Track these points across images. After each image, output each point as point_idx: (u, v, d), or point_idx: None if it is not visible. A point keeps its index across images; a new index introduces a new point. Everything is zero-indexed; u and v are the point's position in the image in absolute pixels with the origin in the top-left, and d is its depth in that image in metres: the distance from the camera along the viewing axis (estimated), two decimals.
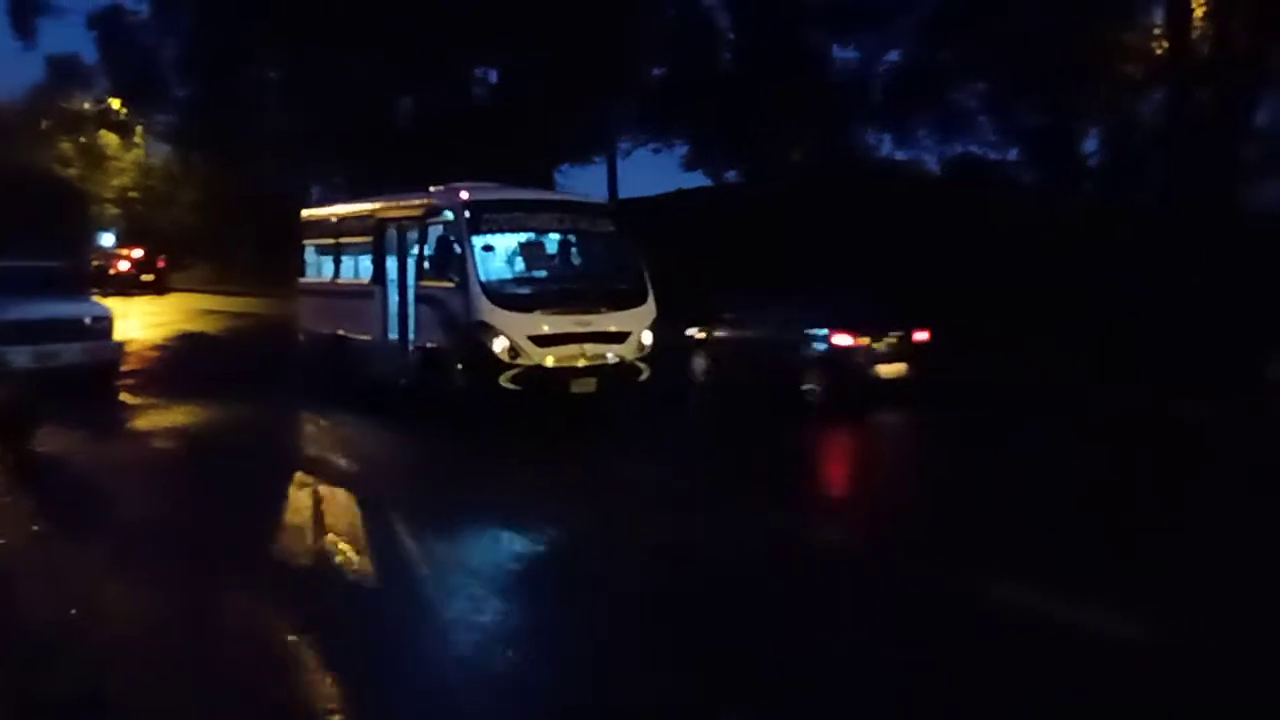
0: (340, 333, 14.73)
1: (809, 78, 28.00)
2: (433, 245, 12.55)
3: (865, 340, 13.30)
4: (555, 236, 12.67)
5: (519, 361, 11.63)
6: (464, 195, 12.30)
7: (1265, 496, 9.08)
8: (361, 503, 8.95)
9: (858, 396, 13.40)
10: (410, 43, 31.19)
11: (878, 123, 28.90)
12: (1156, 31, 22.91)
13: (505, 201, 12.59)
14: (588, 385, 11.97)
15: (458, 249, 12.01)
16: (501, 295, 11.80)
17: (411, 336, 13.08)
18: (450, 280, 12.08)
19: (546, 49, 29.06)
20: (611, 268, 12.78)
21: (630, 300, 12.40)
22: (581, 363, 11.89)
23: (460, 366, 11.94)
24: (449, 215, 12.32)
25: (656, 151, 32.88)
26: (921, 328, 13.58)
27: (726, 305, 15.33)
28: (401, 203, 13.58)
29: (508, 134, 29.01)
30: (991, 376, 15.21)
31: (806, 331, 13.58)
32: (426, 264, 12.65)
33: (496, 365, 11.60)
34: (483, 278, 11.79)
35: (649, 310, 12.41)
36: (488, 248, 12.04)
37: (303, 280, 16.34)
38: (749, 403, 14.34)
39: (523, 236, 12.53)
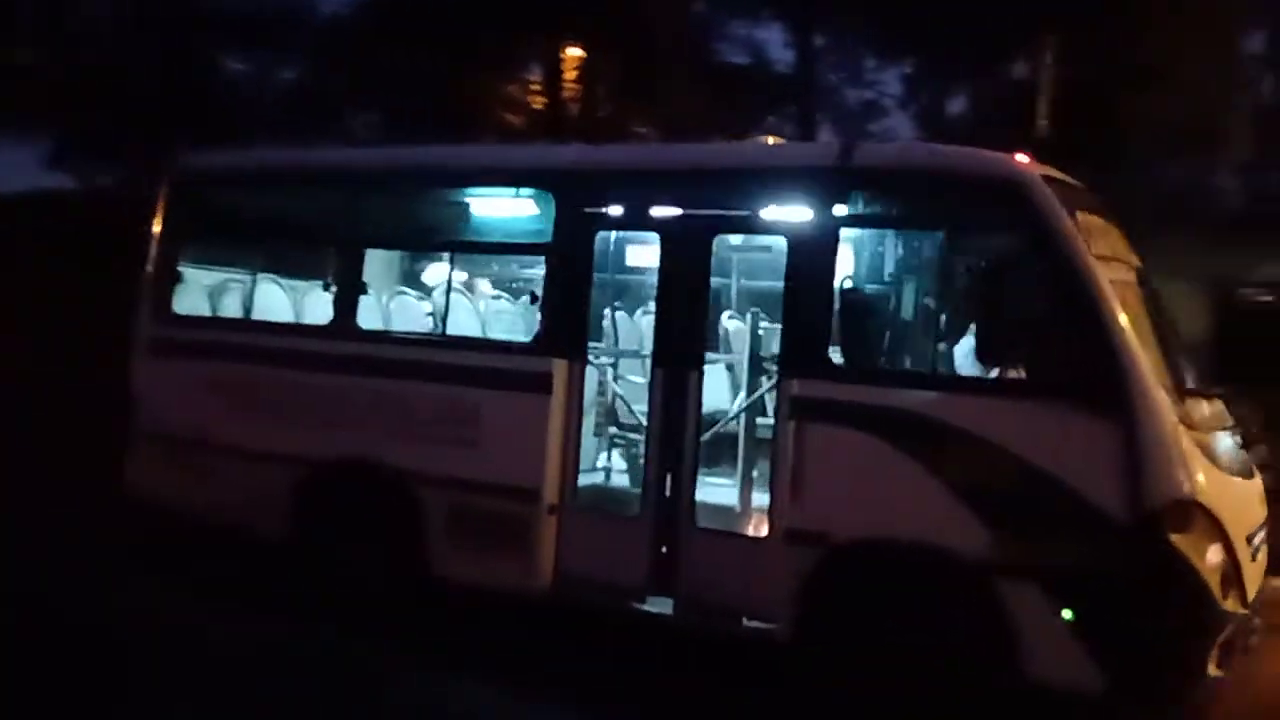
0: (374, 458, 6.00)
1: (194, 83, 26.25)
2: (920, 285, 4.99)
3: None
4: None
5: (1230, 606, 4.48)
6: (1023, 163, 4.85)
7: None
8: None
9: None
10: None
11: (272, 139, 27.00)
12: (535, 87, 24.40)
13: (1085, 193, 5.23)
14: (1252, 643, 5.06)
15: (1044, 301, 4.60)
16: (1196, 429, 4.56)
17: (763, 501, 5.21)
18: (1000, 380, 4.61)
19: None
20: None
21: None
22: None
23: (1078, 616, 4.42)
24: (994, 210, 4.77)
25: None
26: None
27: None
28: (708, 162, 5.67)
29: None
30: None
31: None
32: (891, 332, 4.97)
33: (1208, 616, 4.36)
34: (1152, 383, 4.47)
35: None
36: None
37: (175, 316, 6.97)
38: None
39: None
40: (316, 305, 7.05)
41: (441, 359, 5.98)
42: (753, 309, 5.89)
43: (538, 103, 23.89)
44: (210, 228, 7.02)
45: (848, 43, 24.59)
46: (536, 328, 5.74)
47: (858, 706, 4.84)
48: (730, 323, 6.20)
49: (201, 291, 6.97)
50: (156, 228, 7.05)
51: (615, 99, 22.89)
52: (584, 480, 5.74)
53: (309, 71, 26.36)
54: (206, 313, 6.94)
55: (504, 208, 6.03)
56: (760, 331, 5.75)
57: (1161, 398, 4.35)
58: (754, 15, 24.43)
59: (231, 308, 6.92)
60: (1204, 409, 4.78)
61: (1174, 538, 4.28)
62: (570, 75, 22.77)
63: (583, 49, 22.77)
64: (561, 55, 22.75)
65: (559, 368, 5.57)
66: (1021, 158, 4.83)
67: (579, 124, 22.27)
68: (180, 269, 7.00)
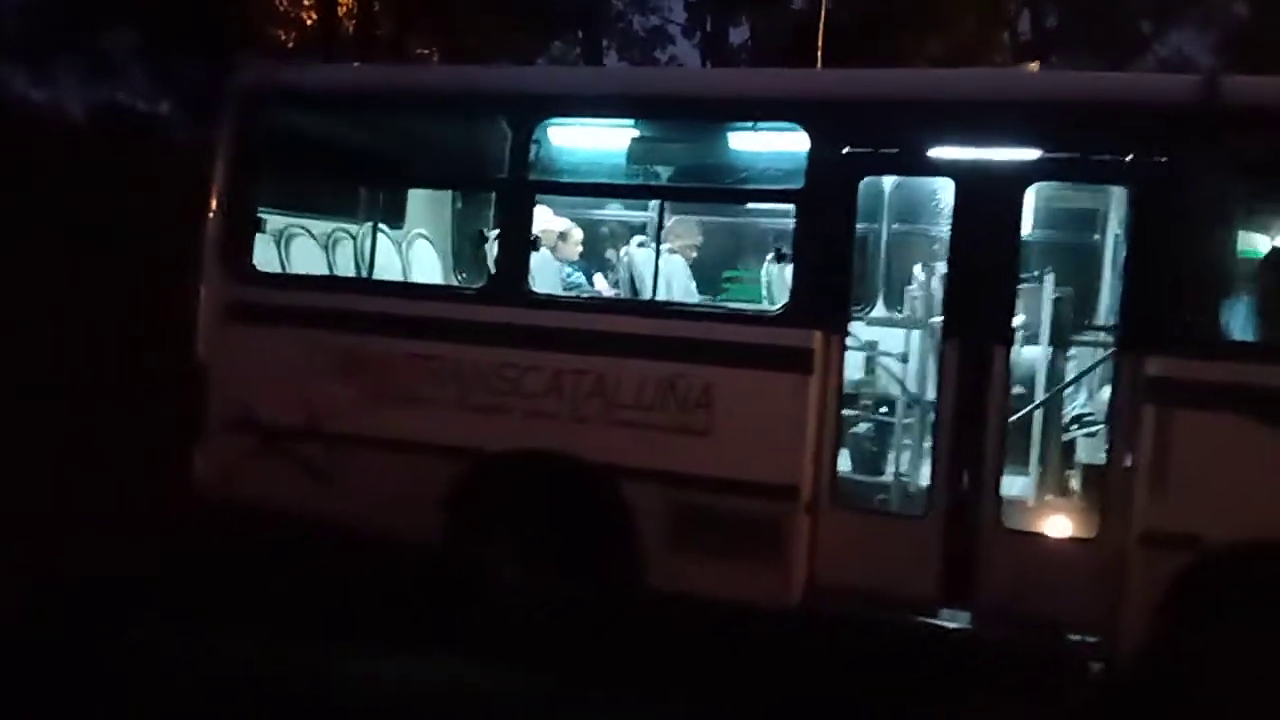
0: (563, 450, 4.94)
1: None
2: None
3: None
4: None
5: None
6: None
7: None
8: None
9: None
10: None
11: (9, 57, 24.64)
12: (308, 2, 23.23)
13: None
14: None
15: None
16: None
17: (1075, 496, 4.53)
18: None
19: None
20: None
21: None
22: None
23: None
24: None
25: None
26: None
27: None
28: None
29: None
30: None
31: None
32: None
33: None
34: None
35: None
36: None
37: (259, 274, 5.56)
38: None
39: None
40: (429, 260, 5.85)
41: (657, 330, 4.90)
42: (1048, 269, 5.05)
43: (310, 19, 22.28)
44: (305, 161, 5.62)
45: None
46: (787, 293, 4.74)
47: None
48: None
49: (300, 243, 5.61)
50: (223, 160, 5.61)
51: (395, 17, 21.73)
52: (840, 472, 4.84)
53: None
54: (304, 269, 5.60)
55: (738, 144, 4.95)
56: (1058, 295, 4.94)
57: None
58: None
59: (342, 263, 5.60)
60: None
61: None
62: None
63: None
64: None
65: (818, 341, 4.62)
66: None
67: (357, 43, 21.06)
68: (260, 215, 5.61)
